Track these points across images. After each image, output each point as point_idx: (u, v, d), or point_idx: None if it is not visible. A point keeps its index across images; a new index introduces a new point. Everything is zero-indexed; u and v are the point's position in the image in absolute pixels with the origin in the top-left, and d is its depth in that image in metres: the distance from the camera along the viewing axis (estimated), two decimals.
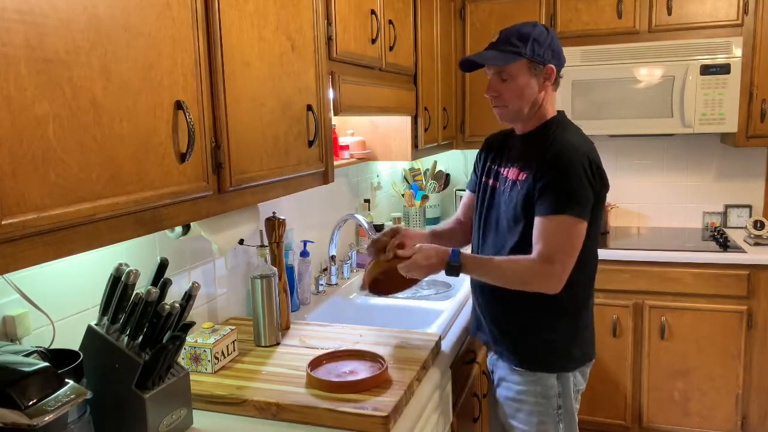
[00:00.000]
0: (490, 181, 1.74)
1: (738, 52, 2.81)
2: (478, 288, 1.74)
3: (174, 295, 1.45)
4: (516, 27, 1.60)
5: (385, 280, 1.72)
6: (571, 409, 1.65)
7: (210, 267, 1.82)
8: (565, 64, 1.68)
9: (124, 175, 0.97)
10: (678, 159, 3.38)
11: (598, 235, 1.66)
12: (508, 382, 1.69)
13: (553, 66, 1.59)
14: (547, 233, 1.51)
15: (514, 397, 1.67)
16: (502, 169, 1.70)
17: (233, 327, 1.59)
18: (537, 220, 1.53)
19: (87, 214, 0.90)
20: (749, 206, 3.31)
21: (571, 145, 1.55)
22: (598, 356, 2.20)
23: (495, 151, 1.78)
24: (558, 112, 1.68)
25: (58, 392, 0.92)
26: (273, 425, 1.31)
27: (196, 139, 1.12)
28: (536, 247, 1.52)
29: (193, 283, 1.26)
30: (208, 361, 1.48)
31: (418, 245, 1.64)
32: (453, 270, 1.57)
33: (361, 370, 1.46)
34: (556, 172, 1.52)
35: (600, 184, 1.57)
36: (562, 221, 1.50)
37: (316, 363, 1.49)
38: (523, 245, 1.57)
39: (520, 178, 1.61)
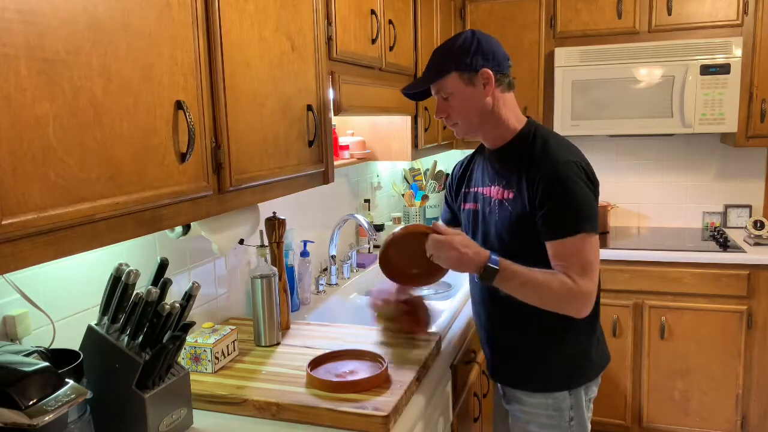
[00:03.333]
0: (470, 206, 1.68)
1: (738, 52, 2.81)
2: (481, 302, 1.68)
3: (174, 295, 1.45)
4: (441, 45, 1.57)
5: (402, 254, 1.52)
6: (583, 420, 1.62)
7: (210, 267, 1.82)
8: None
9: (124, 175, 0.97)
10: (678, 159, 3.38)
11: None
12: (521, 412, 1.65)
13: (488, 69, 1.50)
14: (569, 256, 1.43)
15: (525, 410, 1.64)
16: (480, 189, 1.64)
17: (233, 327, 1.59)
18: (553, 245, 1.45)
19: (87, 214, 0.90)
20: (749, 206, 3.31)
21: (562, 160, 1.47)
22: None
23: (464, 175, 1.74)
24: (527, 118, 1.61)
25: (58, 392, 0.92)
26: (273, 425, 1.31)
27: (196, 139, 1.12)
28: (563, 269, 1.43)
29: (193, 283, 1.27)
30: (208, 360, 1.48)
31: (459, 231, 1.54)
32: (489, 273, 1.41)
33: (361, 370, 1.46)
34: (558, 192, 1.44)
35: (595, 187, 1.52)
36: (577, 241, 1.43)
37: (316, 363, 1.49)
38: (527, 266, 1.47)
39: (506, 197, 1.54)
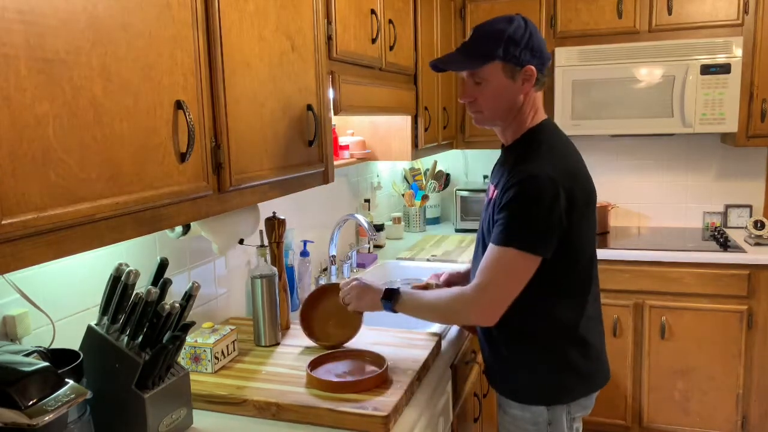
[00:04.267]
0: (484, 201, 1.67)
1: (738, 51, 2.81)
2: None
3: (174, 295, 1.45)
4: (489, 24, 1.45)
5: (318, 311, 1.74)
6: None
7: (210, 267, 1.82)
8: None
9: (124, 174, 0.97)
10: (678, 159, 3.38)
11: (588, 257, 1.51)
12: (503, 418, 1.63)
13: (532, 67, 1.44)
14: (487, 263, 1.40)
15: (507, 417, 1.60)
16: (490, 186, 1.61)
17: (233, 327, 1.59)
18: (488, 248, 1.43)
19: (87, 214, 0.90)
20: (749, 206, 3.31)
21: (533, 172, 1.38)
22: None
23: (492, 171, 1.69)
24: (545, 118, 1.54)
25: (58, 392, 0.92)
26: (273, 425, 1.31)
27: (196, 138, 1.12)
28: (477, 274, 1.43)
29: (193, 283, 1.26)
30: (208, 361, 1.48)
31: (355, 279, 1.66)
32: (387, 302, 1.53)
33: (361, 370, 1.46)
34: (511, 201, 1.38)
35: (570, 205, 1.40)
36: (504, 253, 1.38)
37: (316, 363, 1.49)
38: None
39: (494, 197, 1.49)
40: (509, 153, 1.55)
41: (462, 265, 2.55)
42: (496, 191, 1.49)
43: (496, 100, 1.47)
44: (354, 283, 1.63)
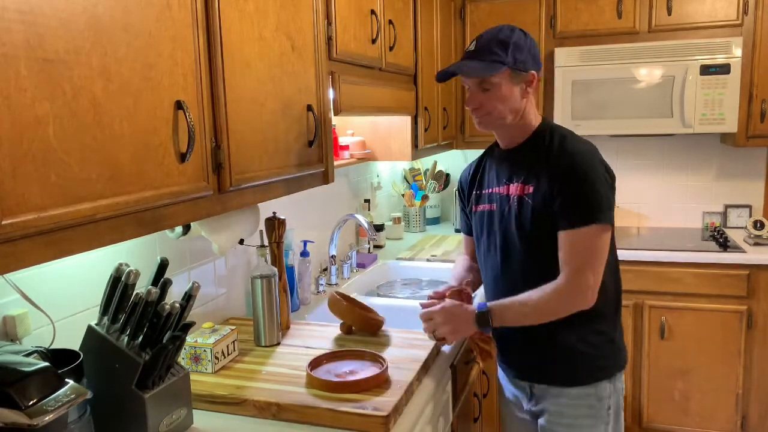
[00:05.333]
0: (483, 207, 1.65)
1: (738, 52, 2.81)
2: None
3: (174, 295, 1.45)
4: (493, 33, 1.52)
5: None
6: (619, 408, 1.61)
7: (210, 267, 1.82)
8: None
9: (124, 175, 0.97)
10: (678, 159, 3.38)
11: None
12: (557, 406, 1.60)
13: (534, 72, 1.53)
14: (573, 247, 1.46)
15: (562, 404, 1.59)
16: (496, 189, 1.62)
17: (233, 327, 1.59)
18: (564, 235, 1.47)
19: (87, 214, 0.90)
20: (749, 206, 3.31)
21: (583, 152, 1.50)
22: None
23: (474, 178, 1.72)
24: (542, 118, 1.62)
25: (58, 392, 0.92)
26: (273, 425, 1.31)
27: (196, 139, 1.12)
28: (565, 265, 1.47)
29: (193, 283, 1.26)
30: (208, 361, 1.48)
31: (440, 304, 1.56)
32: (483, 319, 1.50)
33: (361, 370, 1.46)
34: (576, 181, 1.46)
35: (612, 181, 1.53)
36: (586, 233, 1.45)
37: (316, 363, 1.49)
38: (552, 263, 1.49)
39: (527, 192, 1.53)
40: (520, 151, 1.59)
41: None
42: (528, 186, 1.53)
43: (503, 104, 1.52)
44: (435, 314, 1.54)
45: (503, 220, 1.59)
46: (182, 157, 1.09)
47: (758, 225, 2.99)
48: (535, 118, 1.59)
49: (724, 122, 2.86)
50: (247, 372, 1.49)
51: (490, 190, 1.65)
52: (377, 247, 3.05)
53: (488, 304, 1.52)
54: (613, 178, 1.53)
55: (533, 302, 1.48)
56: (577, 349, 1.56)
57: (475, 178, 1.72)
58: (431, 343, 1.64)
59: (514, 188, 1.57)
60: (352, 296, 1.93)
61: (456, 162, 3.77)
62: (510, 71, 1.50)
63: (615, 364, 1.60)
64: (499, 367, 1.80)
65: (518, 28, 1.54)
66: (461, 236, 1.91)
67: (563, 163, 1.49)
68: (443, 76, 1.58)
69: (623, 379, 1.64)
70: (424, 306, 1.59)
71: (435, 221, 3.73)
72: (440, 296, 1.61)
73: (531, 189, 1.53)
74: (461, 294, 1.62)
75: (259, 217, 1.73)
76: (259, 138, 1.34)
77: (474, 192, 1.71)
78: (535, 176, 1.52)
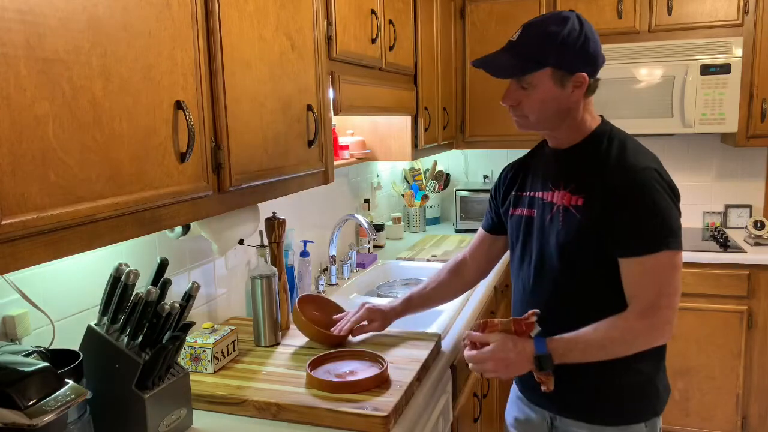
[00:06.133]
0: (522, 211, 1.49)
1: (738, 52, 2.81)
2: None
3: (174, 295, 1.45)
4: (542, 23, 1.33)
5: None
6: None
7: (210, 267, 1.82)
8: None
9: (124, 175, 0.97)
10: (678, 159, 3.38)
11: None
12: None
13: (584, 74, 1.32)
14: (644, 277, 1.29)
15: None
16: (539, 194, 1.45)
17: (233, 327, 1.59)
18: (629, 264, 1.30)
19: (87, 214, 0.90)
20: (749, 206, 3.31)
21: (642, 166, 1.32)
22: None
23: (516, 177, 1.55)
24: (601, 119, 1.44)
25: (58, 392, 0.92)
26: (273, 425, 1.31)
27: (196, 139, 1.12)
28: (635, 297, 1.31)
29: (193, 283, 1.26)
30: (208, 361, 1.47)
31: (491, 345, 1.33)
32: (544, 361, 1.29)
33: (361, 370, 1.46)
34: (639, 202, 1.28)
35: (677, 199, 1.34)
36: (657, 260, 1.28)
37: (316, 363, 1.49)
38: (589, 286, 1.36)
39: (574, 203, 1.35)
40: (572, 154, 1.42)
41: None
42: (578, 197, 1.36)
43: (542, 106, 1.35)
44: (486, 361, 1.33)
45: (543, 230, 1.42)
46: (182, 157, 1.09)
47: (758, 225, 2.99)
48: (591, 119, 1.41)
49: (724, 122, 2.86)
50: (246, 372, 1.49)
51: (533, 194, 1.48)
52: (377, 247, 3.05)
53: (548, 344, 1.31)
54: (678, 196, 1.35)
55: (600, 340, 1.31)
56: (612, 387, 1.40)
57: (516, 177, 1.56)
58: (431, 343, 1.64)
59: (559, 196, 1.39)
60: (328, 298, 1.85)
61: (456, 162, 3.77)
62: (552, 71, 1.31)
63: (651, 407, 1.44)
64: (515, 385, 1.63)
65: (575, 16, 1.32)
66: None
67: (623, 180, 1.31)
68: (477, 65, 1.40)
69: (660, 425, 1.47)
70: (471, 340, 1.37)
71: (435, 221, 3.73)
72: (492, 328, 1.37)
73: (581, 201, 1.35)
74: (520, 324, 1.36)
75: (259, 217, 1.73)
76: (259, 138, 1.34)
77: (513, 192, 1.54)
78: (588, 188, 1.35)
